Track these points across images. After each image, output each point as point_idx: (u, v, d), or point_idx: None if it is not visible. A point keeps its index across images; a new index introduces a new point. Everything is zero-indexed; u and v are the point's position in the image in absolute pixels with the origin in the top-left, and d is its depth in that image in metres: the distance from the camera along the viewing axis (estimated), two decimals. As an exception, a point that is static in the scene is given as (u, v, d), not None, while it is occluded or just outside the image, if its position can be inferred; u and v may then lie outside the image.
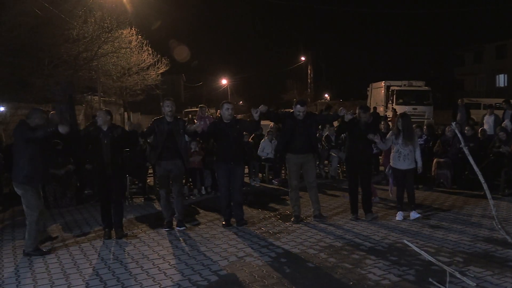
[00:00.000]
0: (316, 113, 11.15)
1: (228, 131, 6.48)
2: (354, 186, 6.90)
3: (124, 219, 7.05)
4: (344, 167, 10.82)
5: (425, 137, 9.73)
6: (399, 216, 6.72)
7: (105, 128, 6.06)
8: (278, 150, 7.04)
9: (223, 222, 6.59)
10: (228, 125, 6.52)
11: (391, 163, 7.03)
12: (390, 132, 7.10)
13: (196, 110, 21.48)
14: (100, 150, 6.00)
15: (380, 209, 7.40)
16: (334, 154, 10.55)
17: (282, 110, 13.08)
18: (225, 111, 6.53)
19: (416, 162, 6.78)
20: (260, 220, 6.83)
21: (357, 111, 6.88)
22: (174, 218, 6.55)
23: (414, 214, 6.69)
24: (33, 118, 5.48)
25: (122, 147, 6.31)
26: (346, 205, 7.71)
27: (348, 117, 6.60)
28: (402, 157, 6.73)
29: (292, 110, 6.90)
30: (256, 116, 6.41)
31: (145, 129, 6.67)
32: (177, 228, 6.37)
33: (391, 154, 6.96)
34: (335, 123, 10.02)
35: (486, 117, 12.87)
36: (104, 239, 5.98)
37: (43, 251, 5.44)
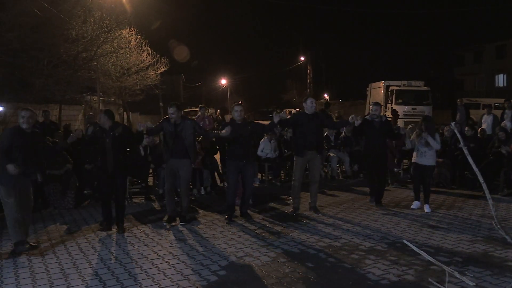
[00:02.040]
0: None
1: (240, 132, 6.76)
2: (372, 179, 7.72)
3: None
4: (344, 167, 10.86)
5: None
6: (415, 205, 7.41)
7: (107, 128, 6.26)
8: (299, 147, 7.15)
9: (226, 216, 6.83)
10: (240, 125, 6.82)
11: (413, 158, 7.63)
12: (414, 133, 7.63)
13: (196, 110, 21.44)
14: (103, 150, 6.21)
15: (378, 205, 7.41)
16: (333, 154, 10.55)
17: (278, 110, 13.19)
18: (235, 113, 6.90)
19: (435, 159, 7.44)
20: (260, 220, 6.83)
21: (370, 108, 7.67)
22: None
23: (427, 208, 7.23)
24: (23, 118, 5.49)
25: (125, 146, 6.48)
26: (346, 205, 7.74)
27: (357, 122, 7.17)
28: (419, 153, 7.33)
29: (295, 110, 7.35)
30: (276, 120, 6.89)
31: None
32: (180, 223, 6.59)
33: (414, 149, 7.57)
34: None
35: (484, 117, 12.88)
36: (99, 229, 6.38)
37: (25, 247, 5.48)
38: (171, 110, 6.58)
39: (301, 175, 7.25)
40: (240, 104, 7.16)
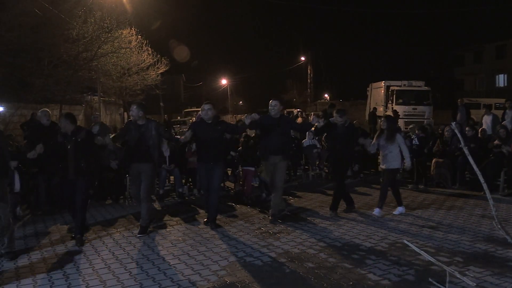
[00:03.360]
0: (315, 113, 11.28)
1: (209, 131, 6.41)
2: (340, 184, 7.18)
3: (123, 218, 7.09)
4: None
5: (415, 137, 9.67)
6: (376, 211, 6.95)
7: (69, 133, 5.88)
8: (264, 151, 6.80)
9: (205, 220, 6.67)
10: (209, 125, 6.46)
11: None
12: (376, 135, 7.29)
13: (197, 110, 21.46)
14: (64, 155, 5.82)
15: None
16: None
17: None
18: (203, 112, 6.51)
19: (398, 162, 7.03)
20: (260, 220, 6.82)
21: (334, 115, 7.16)
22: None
23: (400, 209, 7.01)
24: None
25: (87, 151, 5.98)
26: (345, 205, 7.72)
27: (320, 124, 6.92)
28: (382, 157, 7.05)
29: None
30: (247, 122, 6.55)
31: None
32: (138, 235, 6.08)
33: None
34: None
35: (484, 117, 12.92)
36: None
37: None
38: (133, 107, 6.21)
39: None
40: (209, 103, 6.65)
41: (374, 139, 7.17)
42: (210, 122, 6.47)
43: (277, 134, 6.63)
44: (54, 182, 7.34)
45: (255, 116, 6.68)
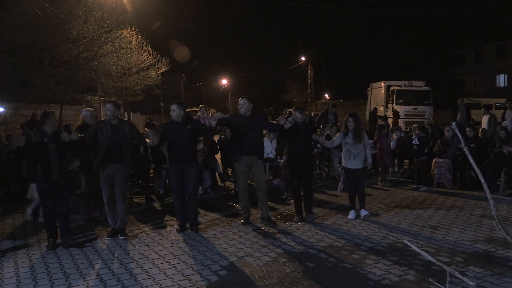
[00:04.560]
0: (324, 112, 11.11)
1: (177, 131, 6.23)
2: (298, 189, 6.86)
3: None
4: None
5: (416, 137, 9.65)
6: (351, 214, 6.84)
7: (50, 132, 5.65)
8: (235, 151, 6.54)
9: (177, 227, 6.35)
10: (178, 125, 6.26)
11: (342, 163, 7.09)
12: (340, 132, 7.13)
13: (196, 110, 21.54)
14: (45, 156, 5.57)
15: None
16: (334, 154, 10.54)
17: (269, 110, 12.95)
18: (170, 112, 6.33)
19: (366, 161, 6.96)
20: (260, 220, 6.81)
21: (293, 112, 6.93)
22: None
23: (363, 212, 6.86)
24: None
25: (70, 152, 5.90)
26: (346, 205, 7.72)
27: (287, 125, 6.57)
28: (353, 156, 6.83)
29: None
30: (213, 123, 6.42)
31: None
32: (120, 237, 6.02)
33: (342, 153, 7.01)
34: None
35: (483, 117, 12.97)
36: (47, 249, 5.60)
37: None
38: (108, 106, 6.04)
39: (244, 183, 6.65)
40: (175, 102, 6.38)
41: (338, 137, 6.97)
42: (179, 122, 6.26)
43: (250, 133, 6.43)
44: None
45: (219, 115, 6.47)
